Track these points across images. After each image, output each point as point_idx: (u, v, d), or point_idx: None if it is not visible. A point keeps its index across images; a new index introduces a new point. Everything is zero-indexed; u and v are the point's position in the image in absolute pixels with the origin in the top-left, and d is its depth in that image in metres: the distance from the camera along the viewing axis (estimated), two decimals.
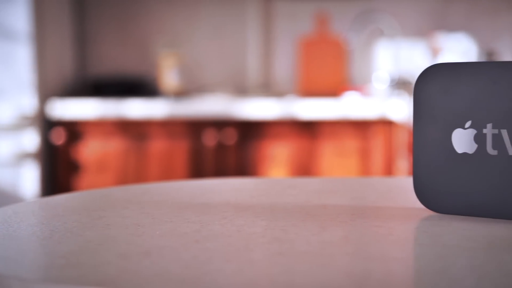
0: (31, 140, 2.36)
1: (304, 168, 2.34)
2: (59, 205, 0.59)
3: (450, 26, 2.57)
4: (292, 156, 2.37)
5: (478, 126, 0.51)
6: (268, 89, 2.76)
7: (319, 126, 2.32)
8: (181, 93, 2.62)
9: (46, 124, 2.41)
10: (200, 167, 2.37)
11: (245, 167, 2.37)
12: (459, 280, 0.38)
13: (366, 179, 0.74)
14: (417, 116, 0.54)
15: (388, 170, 2.28)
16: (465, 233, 0.47)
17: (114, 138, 2.36)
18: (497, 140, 0.51)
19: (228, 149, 2.37)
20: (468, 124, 0.52)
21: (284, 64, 2.76)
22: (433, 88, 0.53)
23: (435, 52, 2.52)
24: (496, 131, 0.51)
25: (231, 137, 2.36)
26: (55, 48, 2.54)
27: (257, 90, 2.74)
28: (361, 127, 2.29)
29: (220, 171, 2.36)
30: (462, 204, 0.52)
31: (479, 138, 0.51)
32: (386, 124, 2.27)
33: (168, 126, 2.35)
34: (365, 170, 2.31)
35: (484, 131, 0.51)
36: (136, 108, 2.38)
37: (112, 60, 2.77)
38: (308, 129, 2.34)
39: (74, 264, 0.41)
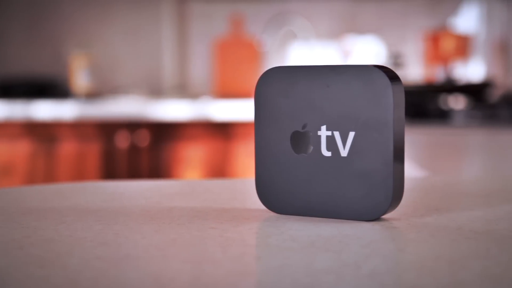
0: None
1: (219, 169, 2.35)
2: None
3: (360, 29, 2.63)
4: (207, 158, 2.37)
5: (313, 128, 0.53)
6: (183, 90, 2.75)
7: (234, 127, 2.33)
8: (93, 94, 2.57)
9: None
10: (113, 169, 2.34)
11: (159, 169, 2.36)
12: (261, 280, 0.38)
13: (230, 180, 0.75)
14: (257, 118, 0.54)
15: None
16: (294, 233, 0.48)
17: (21, 141, 2.29)
18: (331, 142, 0.52)
19: (141, 151, 2.34)
20: (304, 126, 0.53)
21: (200, 65, 2.76)
22: (272, 90, 0.54)
23: (346, 54, 2.57)
24: (329, 133, 0.52)
25: (144, 139, 2.33)
26: None
27: (172, 92, 2.73)
28: None
29: (133, 173, 2.33)
30: (300, 205, 0.53)
31: (315, 140, 0.52)
32: None
33: (79, 128, 2.31)
34: None
35: (319, 133, 0.52)
36: (45, 110, 2.32)
37: (21, 60, 2.70)
38: (223, 130, 2.35)
39: None
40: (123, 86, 2.71)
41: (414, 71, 2.58)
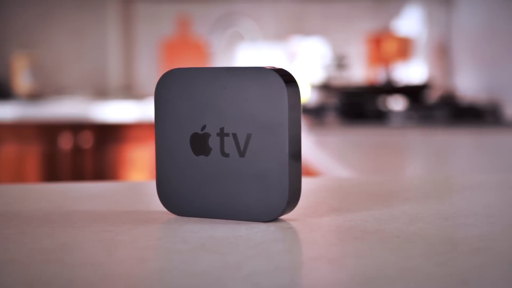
0: None
1: None
2: None
3: (306, 30, 2.65)
4: (152, 159, 2.35)
5: (212, 129, 0.53)
6: (129, 91, 2.73)
7: None
8: (36, 96, 2.53)
9: None
10: (55, 171, 2.30)
11: (103, 171, 2.33)
12: (138, 283, 0.38)
13: (140, 182, 0.74)
14: (157, 120, 0.54)
15: None
16: (187, 235, 0.48)
17: None
18: (229, 144, 0.52)
19: (85, 152, 2.31)
20: (203, 128, 0.53)
21: (146, 66, 2.73)
22: (172, 92, 0.54)
23: (292, 55, 2.59)
24: (228, 134, 0.52)
25: (88, 140, 2.30)
26: None
27: (117, 93, 2.70)
28: None
29: (77, 175, 2.30)
30: (200, 207, 0.53)
31: (214, 142, 0.53)
32: None
33: (19, 129, 2.26)
34: None
35: (218, 134, 0.52)
36: None
37: None
38: None
39: None
40: (67, 87, 2.67)
41: (357, 73, 2.61)
